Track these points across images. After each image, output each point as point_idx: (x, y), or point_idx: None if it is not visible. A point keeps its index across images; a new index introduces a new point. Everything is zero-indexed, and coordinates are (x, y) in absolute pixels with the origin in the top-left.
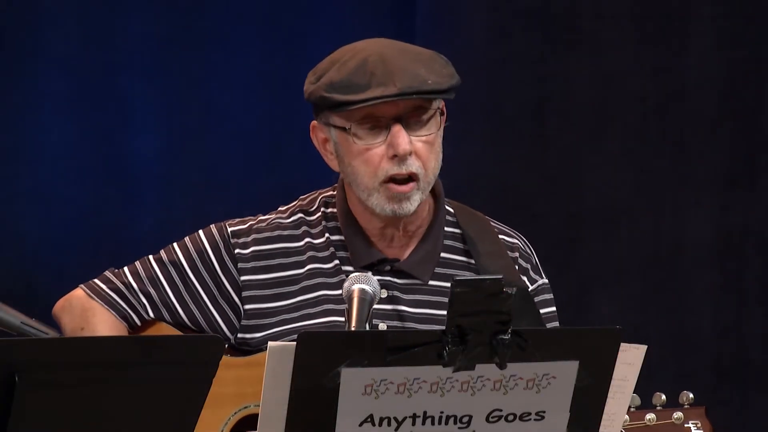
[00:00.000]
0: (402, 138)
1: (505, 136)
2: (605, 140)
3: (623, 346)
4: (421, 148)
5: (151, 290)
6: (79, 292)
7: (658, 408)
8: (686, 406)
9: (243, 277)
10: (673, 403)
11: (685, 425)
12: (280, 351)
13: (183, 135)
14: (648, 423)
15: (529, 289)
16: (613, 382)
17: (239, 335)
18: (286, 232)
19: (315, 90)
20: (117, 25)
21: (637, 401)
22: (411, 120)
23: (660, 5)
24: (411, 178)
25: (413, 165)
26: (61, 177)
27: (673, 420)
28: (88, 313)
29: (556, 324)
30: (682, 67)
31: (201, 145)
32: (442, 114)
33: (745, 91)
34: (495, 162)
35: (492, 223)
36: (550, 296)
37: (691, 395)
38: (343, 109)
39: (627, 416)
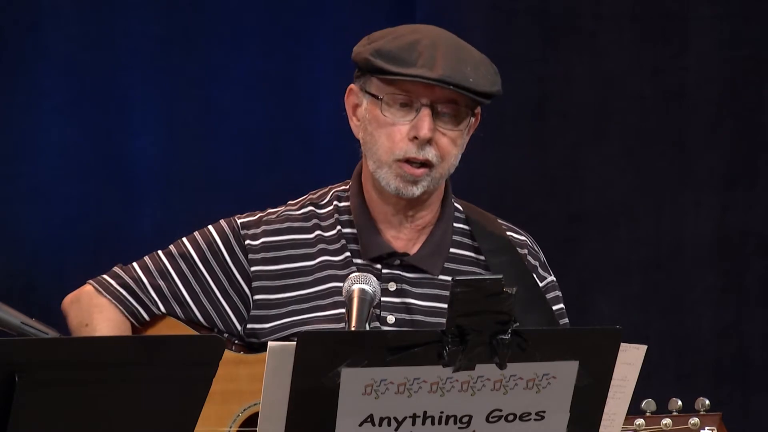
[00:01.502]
0: (426, 123)
1: (505, 136)
2: (605, 140)
3: (623, 346)
4: (443, 140)
5: (161, 283)
6: (87, 288)
7: (674, 413)
8: (702, 412)
9: (253, 268)
10: (688, 409)
11: (701, 431)
12: (280, 351)
13: (183, 135)
14: (664, 428)
15: (539, 286)
16: (613, 382)
17: (248, 325)
18: (296, 224)
19: (362, 51)
20: (117, 25)
21: (653, 406)
22: (442, 110)
23: (660, 5)
24: (424, 164)
25: (430, 153)
26: (61, 177)
27: (689, 426)
28: (94, 309)
29: (566, 321)
30: (682, 67)
31: (201, 145)
32: (473, 116)
33: (745, 91)
34: (495, 162)
35: (499, 221)
36: (558, 293)
37: (707, 401)
38: (381, 75)
39: (643, 420)
